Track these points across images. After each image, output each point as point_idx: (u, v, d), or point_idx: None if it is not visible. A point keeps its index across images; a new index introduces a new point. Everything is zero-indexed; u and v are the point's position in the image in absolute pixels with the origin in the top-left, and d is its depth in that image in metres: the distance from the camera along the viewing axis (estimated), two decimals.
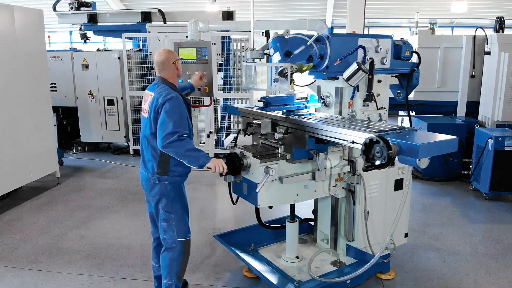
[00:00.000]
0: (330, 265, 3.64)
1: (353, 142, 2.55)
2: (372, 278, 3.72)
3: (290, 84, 3.13)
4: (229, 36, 7.72)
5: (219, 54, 7.49)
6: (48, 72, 6.13)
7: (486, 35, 6.85)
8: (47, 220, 5.14)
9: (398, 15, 14.88)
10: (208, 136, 7.83)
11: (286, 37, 3.18)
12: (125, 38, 7.72)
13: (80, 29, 8.67)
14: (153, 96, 3.05)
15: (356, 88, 3.38)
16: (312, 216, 4.17)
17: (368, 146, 2.28)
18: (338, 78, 3.43)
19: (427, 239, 4.60)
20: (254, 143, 3.54)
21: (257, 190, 3.02)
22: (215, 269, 3.98)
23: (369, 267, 3.08)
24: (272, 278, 3.37)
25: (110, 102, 8.05)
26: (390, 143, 2.18)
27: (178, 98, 2.99)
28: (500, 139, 5.50)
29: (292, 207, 3.61)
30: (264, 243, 4.03)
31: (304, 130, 2.93)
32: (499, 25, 6.85)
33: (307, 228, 4.27)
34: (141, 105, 7.92)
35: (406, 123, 8.74)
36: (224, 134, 8.12)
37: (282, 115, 3.26)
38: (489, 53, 6.72)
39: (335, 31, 16.63)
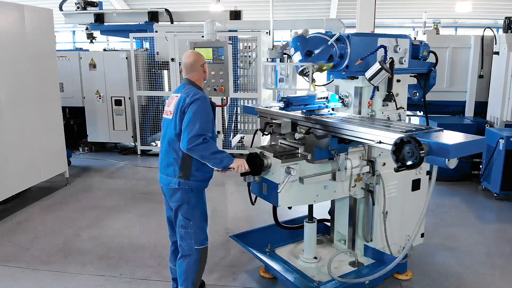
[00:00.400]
0: (349, 265, 3.63)
1: (380, 142, 2.53)
2: (389, 278, 3.70)
3: (311, 83, 3.13)
4: (236, 36, 7.71)
5: None
6: (57, 72, 6.11)
7: (494, 35, 6.84)
8: (58, 220, 5.12)
9: (402, 15, 14.86)
10: None
11: (306, 36, 3.17)
12: (133, 38, 7.70)
13: (87, 28, 8.65)
14: (179, 97, 3.02)
15: (376, 88, 3.37)
16: (328, 217, 4.17)
17: (399, 146, 2.27)
18: (357, 78, 3.42)
19: (441, 239, 4.59)
20: (273, 143, 3.53)
21: (278, 191, 3.01)
22: (231, 270, 3.97)
23: (391, 268, 3.07)
24: (292, 279, 3.36)
25: (118, 102, 8.04)
26: (422, 143, 2.17)
27: (206, 99, 2.98)
28: (511, 139, 5.49)
29: (311, 207, 3.60)
30: (280, 244, 4.02)
31: (327, 130, 2.91)
32: (508, 25, 6.84)
33: (323, 229, 4.26)
34: (148, 105, 8.03)
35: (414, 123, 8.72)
36: (232, 134, 8.10)
37: (302, 115, 3.24)
38: (497, 53, 6.71)
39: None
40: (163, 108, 8.38)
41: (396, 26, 15.35)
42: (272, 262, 3.62)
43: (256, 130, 3.75)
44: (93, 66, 7.92)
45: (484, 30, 6.94)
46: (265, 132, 3.39)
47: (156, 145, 8.64)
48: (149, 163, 7.76)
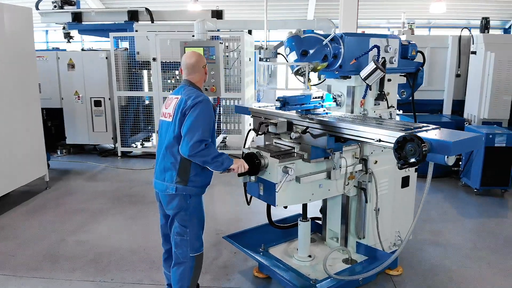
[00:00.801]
0: (342, 263, 3.67)
1: (380, 140, 2.57)
2: (381, 274, 3.76)
3: (307, 83, 3.15)
4: (218, 36, 7.68)
5: None
6: (37, 72, 5.93)
7: (472, 36, 7.06)
8: (42, 225, 4.97)
9: (378, 15, 15.13)
10: None
11: (301, 36, 3.18)
12: (113, 37, 7.55)
13: (64, 28, 8.42)
14: (179, 98, 2.94)
15: (369, 87, 3.42)
16: (319, 215, 4.20)
17: (401, 144, 2.31)
18: (350, 77, 3.47)
19: (427, 234, 4.70)
20: (267, 143, 3.53)
21: (277, 190, 3.01)
22: (225, 271, 3.95)
23: (386, 265, 3.12)
24: (288, 277, 3.36)
25: (97, 103, 7.86)
26: (424, 141, 2.21)
27: (208, 102, 2.91)
28: (490, 136, 5.67)
29: (305, 206, 3.62)
30: (273, 243, 4.02)
31: (326, 130, 2.93)
32: (485, 26, 7.07)
33: (315, 227, 4.28)
34: (128, 105, 7.87)
35: None
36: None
37: (298, 115, 3.25)
38: (475, 52, 6.93)
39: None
40: (144, 108, 8.43)
41: (373, 26, 15.62)
42: (267, 262, 3.62)
43: (249, 130, 3.74)
44: (71, 66, 7.72)
45: (461, 30, 7.14)
46: (259, 132, 3.39)
47: (136, 147, 8.51)
48: (131, 165, 7.64)
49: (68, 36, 8.61)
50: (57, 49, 8.79)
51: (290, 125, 3.25)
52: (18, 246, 4.41)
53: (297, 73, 3.13)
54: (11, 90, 5.34)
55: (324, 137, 2.96)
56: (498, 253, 4.28)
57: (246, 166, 2.95)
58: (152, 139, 9.28)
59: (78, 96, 7.83)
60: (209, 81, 3.96)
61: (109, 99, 7.85)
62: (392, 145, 2.44)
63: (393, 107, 3.70)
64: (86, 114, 7.92)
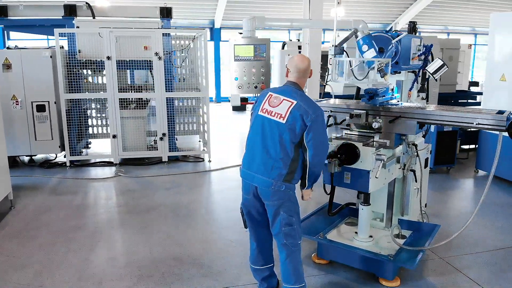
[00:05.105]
0: (396, 239, 4.09)
1: (479, 124, 3.06)
2: None
3: (383, 77, 3.48)
4: (169, 34, 7.48)
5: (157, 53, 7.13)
6: None
7: None
8: (42, 248, 4.32)
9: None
10: (161, 139, 7.43)
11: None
12: (58, 34, 6.76)
13: None
14: (295, 103, 2.98)
15: (416, 81, 3.90)
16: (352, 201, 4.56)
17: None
18: (400, 72, 3.91)
19: None
20: (338, 135, 3.75)
21: (376, 176, 3.29)
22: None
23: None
24: (367, 254, 3.66)
25: (41, 108, 6.94)
26: None
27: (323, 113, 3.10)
28: None
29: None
30: (324, 230, 4.24)
31: (421, 118, 3.32)
32: (412, 29, 8.22)
33: (348, 213, 4.61)
34: (71, 109, 7.10)
35: None
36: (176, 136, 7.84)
37: (371, 106, 3.57)
38: None
39: (224, 32, 17.06)
40: (91, 112, 7.72)
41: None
42: (339, 246, 3.85)
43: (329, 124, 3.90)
44: (7, 66, 6.66)
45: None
46: (341, 126, 3.61)
47: (87, 154, 7.75)
48: (90, 174, 6.96)
49: None
50: None
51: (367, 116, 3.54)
52: (34, 276, 3.82)
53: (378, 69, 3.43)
54: None
55: (413, 124, 3.33)
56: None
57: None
58: (90, 145, 8.54)
59: (17, 101, 6.80)
60: (259, 78, 4.00)
61: (55, 102, 6.99)
62: (489, 126, 2.97)
63: (424, 98, 4.27)
64: (27, 121, 6.93)
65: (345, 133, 3.71)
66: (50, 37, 12.24)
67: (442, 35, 17.77)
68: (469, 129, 7.51)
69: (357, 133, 3.66)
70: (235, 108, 14.92)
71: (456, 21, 18.66)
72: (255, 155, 3.10)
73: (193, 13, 15.63)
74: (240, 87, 3.97)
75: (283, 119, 2.99)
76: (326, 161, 3.34)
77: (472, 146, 8.41)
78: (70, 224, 4.93)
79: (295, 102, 3.00)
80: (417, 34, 7.88)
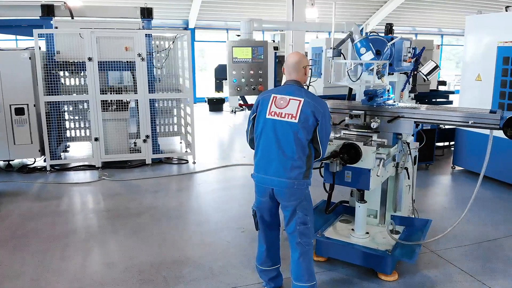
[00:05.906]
0: (392, 234, 4.24)
1: (474, 123, 3.22)
2: None
3: (380, 79, 3.60)
4: (150, 34, 7.42)
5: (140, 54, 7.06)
6: None
7: None
8: (34, 256, 4.20)
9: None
10: (144, 141, 7.34)
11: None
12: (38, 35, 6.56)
13: None
14: (303, 101, 3.01)
15: (408, 82, 4.05)
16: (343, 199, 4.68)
17: (509, 122, 3.00)
18: (393, 74, 4.04)
19: None
20: (337, 135, 3.84)
21: (378, 174, 3.40)
22: (284, 262, 4.10)
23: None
24: (366, 250, 3.77)
25: (19, 111, 6.71)
26: None
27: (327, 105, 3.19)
28: None
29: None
30: (318, 229, 4.33)
31: (419, 118, 3.45)
32: (389, 30, 8.46)
33: (342, 210, 4.72)
34: (51, 112, 6.91)
35: None
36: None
37: (377, 107, 3.68)
38: None
39: (198, 32, 16.96)
40: (69, 115, 7.53)
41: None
42: (338, 242, 3.95)
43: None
44: None
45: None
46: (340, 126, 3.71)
47: (66, 158, 7.55)
48: (72, 178, 6.79)
49: None
50: None
51: (365, 116, 3.66)
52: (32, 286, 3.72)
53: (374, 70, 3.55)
54: None
55: (411, 123, 3.47)
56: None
57: None
58: (68, 149, 8.32)
59: None
60: (257, 80, 4.04)
61: (34, 105, 6.78)
62: (484, 125, 3.14)
63: (414, 99, 4.44)
64: (5, 125, 6.69)
65: (344, 133, 3.81)
66: (19, 37, 11.93)
67: (410, 36, 18.36)
68: (444, 127, 7.82)
69: (355, 133, 3.76)
70: (212, 109, 14.90)
71: (424, 22, 19.31)
72: (271, 159, 3.10)
73: (167, 13, 15.45)
74: (238, 89, 3.99)
75: (295, 119, 3.01)
76: (328, 161, 3.45)
77: (447, 144, 8.77)
78: (60, 230, 4.81)
79: (302, 99, 3.03)
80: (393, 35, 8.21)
